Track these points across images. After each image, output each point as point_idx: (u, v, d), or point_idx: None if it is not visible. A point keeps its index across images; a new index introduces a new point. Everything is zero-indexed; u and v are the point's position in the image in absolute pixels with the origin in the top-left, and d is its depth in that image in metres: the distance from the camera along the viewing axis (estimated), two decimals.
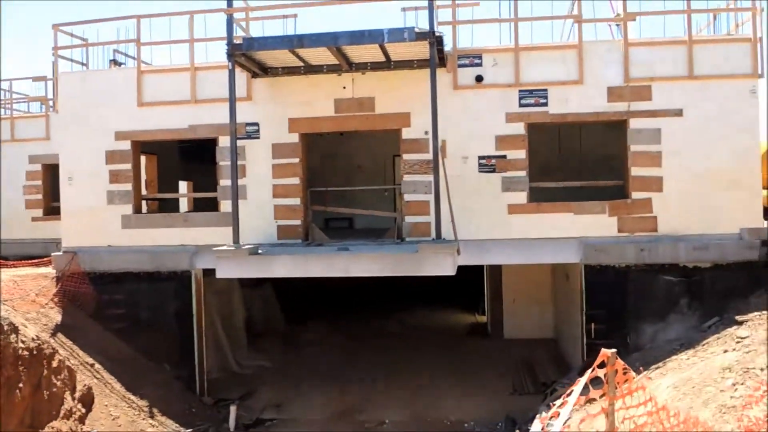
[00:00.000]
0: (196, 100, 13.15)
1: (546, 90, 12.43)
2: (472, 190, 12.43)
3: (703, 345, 10.90)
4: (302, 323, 21.03)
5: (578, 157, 16.43)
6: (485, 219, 12.43)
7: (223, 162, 13.09)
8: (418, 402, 13.47)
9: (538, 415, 11.20)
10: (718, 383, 8.29)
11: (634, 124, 12.32)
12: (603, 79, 12.34)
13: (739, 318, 11.16)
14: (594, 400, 5.69)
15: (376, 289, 23.67)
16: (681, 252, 12.18)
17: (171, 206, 17.16)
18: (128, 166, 13.36)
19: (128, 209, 13.41)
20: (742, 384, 8.21)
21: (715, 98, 12.14)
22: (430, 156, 12.49)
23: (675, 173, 12.25)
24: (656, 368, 10.95)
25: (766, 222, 12.36)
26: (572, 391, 3.64)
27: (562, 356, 15.66)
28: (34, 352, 10.35)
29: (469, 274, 25.01)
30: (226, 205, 13.07)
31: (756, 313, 11.03)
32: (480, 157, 12.55)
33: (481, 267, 23.75)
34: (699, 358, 10.39)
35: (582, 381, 3.67)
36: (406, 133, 12.75)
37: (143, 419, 11.58)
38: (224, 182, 13.08)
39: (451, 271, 10.71)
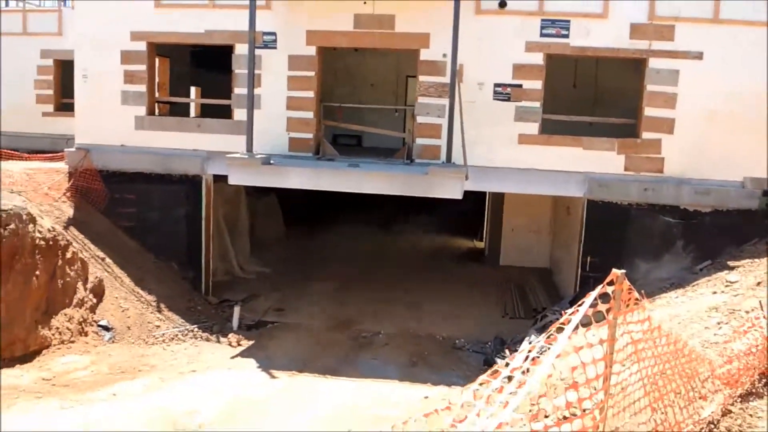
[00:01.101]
0: (213, 5, 13.01)
1: (568, 21, 12.32)
2: (484, 117, 12.51)
3: (693, 286, 11.30)
4: (303, 234, 21.64)
5: (592, 93, 16.39)
6: (495, 147, 12.58)
7: (239, 70, 13.09)
8: (413, 318, 13.99)
9: (527, 338, 11.75)
10: (703, 321, 8.70)
11: (653, 63, 12.28)
12: (627, 15, 12.21)
13: (731, 263, 11.54)
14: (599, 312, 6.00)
15: (378, 208, 24.16)
16: (684, 194, 12.42)
17: (181, 111, 17.20)
18: (143, 67, 13.35)
19: (142, 111, 13.50)
20: (726, 323, 8.61)
21: (737, 44, 12.06)
22: (446, 79, 12.52)
23: (688, 116, 12.33)
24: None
25: None
26: (583, 302, 3.94)
27: (555, 286, 16.15)
28: (50, 243, 10.73)
29: (470, 201, 25.64)
30: (239, 114, 13.18)
31: (748, 260, 11.39)
32: (496, 85, 12.57)
33: (482, 194, 24.15)
34: (688, 297, 10.81)
35: (593, 295, 3.98)
36: (424, 55, 12.70)
37: (151, 313, 12.10)
38: (239, 90, 13.12)
39: (458, 195, 10.97)
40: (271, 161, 11.69)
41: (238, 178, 11.49)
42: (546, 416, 5.93)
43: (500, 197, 19.14)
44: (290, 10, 12.83)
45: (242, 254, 17.27)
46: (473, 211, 26.08)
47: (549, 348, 4.04)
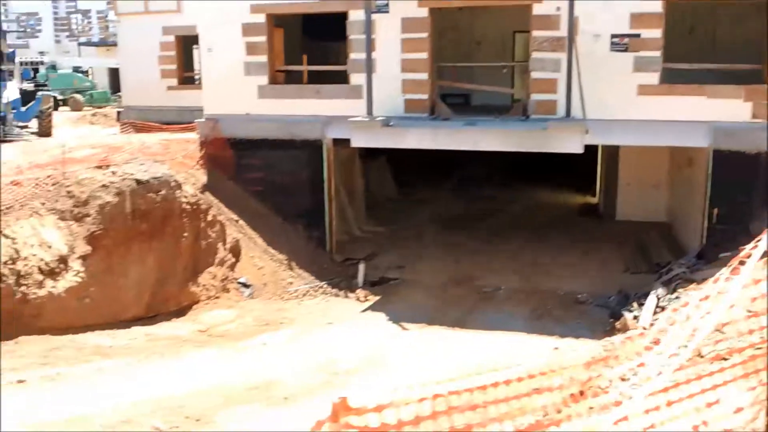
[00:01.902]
0: None
1: None
2: (602, 69, 12.34)
3: None
4: (414, 194, 22.00)
5: (711, 40, 15.69)
6: (614, 99, 12.39)
7: (354, 36, 13.50)
8: (532, 273, 14.17)
9: (653, 292, 11.70)
10: None
11: None
12: None
13: None
14: None
15: (487, 166, 24.22)
16: None
17: (295, 79, 17.84)
18: (263, 38, 14.02)
19: (264, 80, 14.22)
20: None
21: None
22: (560, 33, 12.46)
23: None
24: None
25: None
26: (761, 238, 4.10)
27: (675, 240, 15.80)
28: (194, 207, 11.69)
29: (581, 156, 25.18)
30: (355, 78, 13.64)
31: None
32: (613, 36, 12.34)
33: (595, 148, 23.63)
34: None
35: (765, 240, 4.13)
36: (537, 9, 12.62)
37: (284, 270, 12.95)
38: (354, 56, 13.56)
39: (578, 149, 11.01)
40: (390, 123, 12.09)
41: (360, 140, 12.00)
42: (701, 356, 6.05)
43: (615, 151, 18.75)
44: None
45: (359, 215, 17.92)
46: (584, 165, 25.71)
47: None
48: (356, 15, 13.28)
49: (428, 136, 11.68)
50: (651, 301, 11.18)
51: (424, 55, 13.27)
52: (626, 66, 12.38)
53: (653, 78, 12.36)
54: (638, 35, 12.25)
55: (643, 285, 12.98)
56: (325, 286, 12.99)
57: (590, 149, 24.06)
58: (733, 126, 12.16)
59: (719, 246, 12.45)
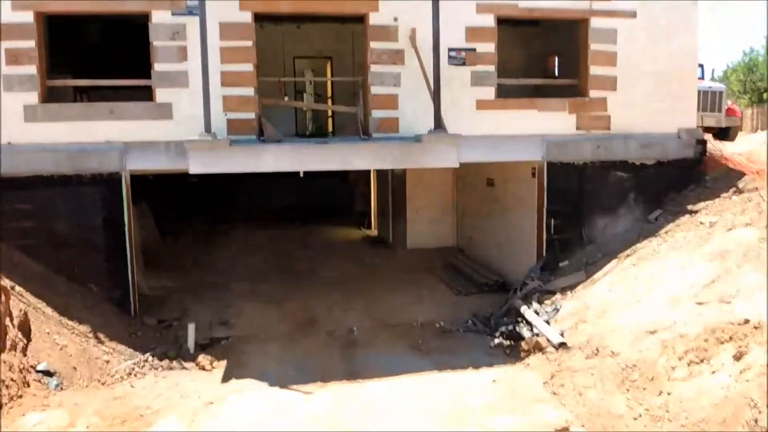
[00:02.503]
0: None
1: None
2: (442, 83, 11.76)
3: (666, 232, 11.70)
4: (180, 241, 19.55)
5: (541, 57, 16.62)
6: (454, 114, 11.86)
7: (158, 42, 10.98)
8: (370, 309, 12.93)
9: (521, 308, 11.33)
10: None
11: (594, 23, 12.49)
12: None
13: (690, 207, 12.13)
14: None
15: (235, 205, 23.19)
16: (631, 149, 12.85)
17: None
18: (31, 43, 10.61)
19: (33, 98, 10.76)
20: None
21: (664, 2, 12.71)
22: (399, 45, 11.72)
23: (627, 73, 12.73)
24: (626, 255, 11.57)
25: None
26: None
27: (485, 260, 15.94)
28: None
29: (336, 190, 25.36)
30: (162, 95, 11.09)
31: (703, 203, 12.06)
32: (450, 49, 11.88)
33: (345, 179, 23.80)
34: (669, 245, 11.12)
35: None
36: (374, 19, 11.64)
37: (94, 346, 9.69)
38: (161, 67, 11.01)
39: (455, 163, 10.19)
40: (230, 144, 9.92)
41: (200, 166, 9.56)
42: None
43: (402, 177, 18.60)
44: None
45: (140, 268, 14.75)
46: (343, 198, 25.76)
47: None
48: (161, 17, 10.83)
49: (290, 156, 9.77)
50: (532, 316, 10.75)
51: (249, 67, 11.31)
52: (465, 80, 12.05)
53: (490, 92, 12.21)
54: (474, 49, 12.02)
55: (490, 305, 12.70)
56: (150, 358, 10.04)
57: (345, 179, 24.49)
58: (563, 138, 12.57)
59: (559, 256, 12.73)
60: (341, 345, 10.94)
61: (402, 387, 8.65)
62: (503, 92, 12.60)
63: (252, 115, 11.35)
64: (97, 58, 14.29)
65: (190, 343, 10.72)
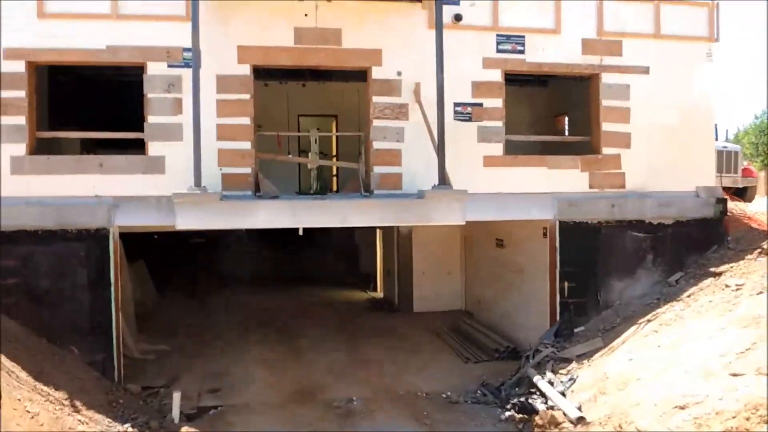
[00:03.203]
0: (118, 15, 10.49)
1: (523, 37, 11.75)
2: (447, 138, 11.27)
3: (689, 296, 10.91)
4: (178, 301, 19.01)
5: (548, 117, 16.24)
6: (460, 170, 11.31)
7: (153, 94, 10.62)
8: (372, 377, 12.11)
9: (534, 377, 10.47)
10: None
11: (605, 78, 12.11)
12: (578, 30, 11.95)
13: (714, 269, 11.38)
14: None
15: (232, 265, 22.89)
16: (647, 208, 12.22)
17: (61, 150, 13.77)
18: (21, 93, 10.27)
19: (21, 149, 10.34)
20: None
21: (678, 59, 12.36)
22: (401, 99, 11.35)
23: (641, 130, 12.25)
24: (647, 321, 10.77)
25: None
26: None
27: (495, 325, 15.12)
28: None
29: (338, 251, 25.05)
30: (155, 148, 10.67)
31: (727, 265, 11.32)
32: (456, 104, 11.51)
33: (351, 239, 23.57)
34: (693, 310, 10.32)
35: None
36: (377, 73, 11.30)
37: (68, 415, 8.85)
38: (154, 119, 10.63)
39: (460, 221, 9.58)
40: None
41: (188, 221, 9.00)
42: None
43: (408, 237, 18.00)
44: (218, 23, 10.73)
45: (132, 330, 14.04)
46: (344, 259, 25.42)
47: None
48: (156, 68, 10.51)
49: (284, 212, 9.20)
50: (546, 386, 9.88)
51: (246, 120, 10.90)
52: (471, 135, 11.58)
53: (497, 148, 11.72)
54: (481, 104, 11.60)
55: (500, 373, 11.85)
56: (130, 429, 9.21)
57: (344, 243, 24.22)
58: (575, 197, 11.98)
59: (574, 321, 11.94)
60: (338, 417, 10.08)
61: None
62: (511, 150, 12.11)
63: (248, 170, 10.87)
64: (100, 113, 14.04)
65: (175, 413, 9.90)
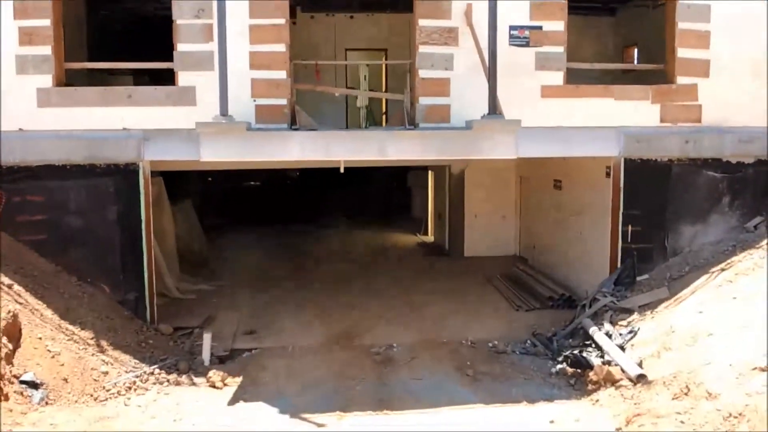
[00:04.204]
0: None
1: None
2: (500, 66, 10.16)
3: None
4: (224, 243, 18.76)
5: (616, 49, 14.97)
6: (515, 102, 10.22)
7: (183, 20, 9.90)
8: (416, 323, 11.45)
9: (589, 329, 9.57)
10: None
11: None
12: None
13: None
14: None
15: (282, 208, 22.59)
16: (726, 145, 10.90)
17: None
18: (47, 22, 9.71)
19: (47, 81, 9.84)
20: None
21: None
22: (451, 22, 10.22)
23: (721, 58, 10.81)
24: (720, 270, 9.65)
25: None
26: None
27: (550, 271, 14.18)
28: None
29: (384, 192, 24.54)
30: (185, 78, 9.99)
31: None
32: (511, 27, 10.33)
33: (403, 180, 22.94)
34: None
35: None
36: None
37: (92, 355, 8.57)
38: (184, 47, 9.93)
39: (512, 154, 8.61)
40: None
41: (213, 152, 8.37)
42: None
43: (460, 179, 17.05)
44: None
45: (173, 270, 13.79)
46: (395, 203, 24.91)
47: None
48: None
49: (317, 143, 8.43)
50: (604, 339, 8.98)
51: (281, 47, 10.07)
52: (528, 63, 10.43)
53: (558, 77, 10.55)
54: (540, 27, 10.40)
55: (551, 322, 11.01)
56: (157, 371, 8.86)
57: (396, 187, 23.63)
58: (644, 131, 10.75)
59: (637, 268, 10.89)
60: (376, 363, 9.48)
61: (434, 425, 7.07)
62: (573, 80, 10.90)
63: (284, 101, 10.07)
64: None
65: (205, 355, 9.51)
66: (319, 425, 7.12)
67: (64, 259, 9.94)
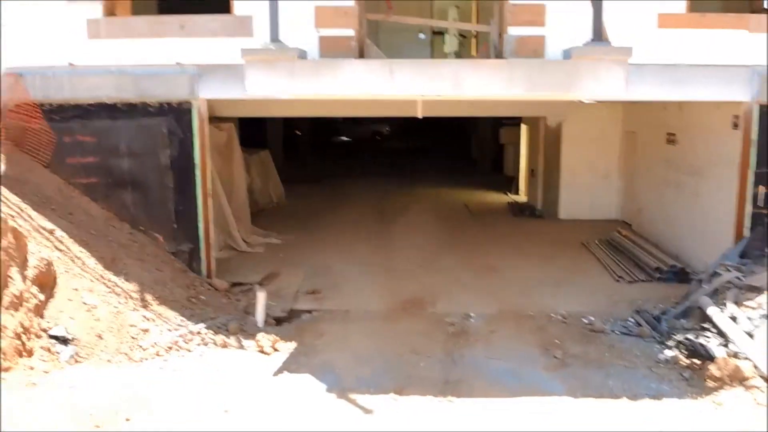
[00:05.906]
0: None
1: None
2: None
3: None
4: (301, 195, 18.13)
5: None
6: (625, 32, 8.44)
7: None
8: (499, 291, 10.09)
9: (716, 308, 7.88)
10: None
11: None
12: None
13: None
14: None
15: (358, 160, 21.93)
16: None
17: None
18: None
19: (97, 9, 9.04)
20: None
21: None
22: None
23: None
24: None
25: None
26: None
27: (658, 239, 12.38)
28: None
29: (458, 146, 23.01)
30: (241, 6, 8.91)
31: None
32: None
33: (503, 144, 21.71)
34: None
35: None
36: None
37: (133, 310, 7.79)
38: None
39: (620, 91, 6.95)
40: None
41: (259, 84, 7.23)
42: None
43: (557, 133, 15.33)
44: None
45: (243, 222, 13.06)
46: (487, 161, 23.77)
47: None
48: None
49: (378, 72, 7.13)
50: (727, 323, 7.31)
51: None
52: None
53: (680, 5, 8.69)
54: None
55: (660, 298, 9.35)
56: (204, 331, 8.01)
57: (488, 143, 22.20)
58: None
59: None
60: (447, 336, 8.24)
61: (506, 420, 5.77)
62: (698, 8, 9.00)
63: (351, 32, 8.77)
64: None
65: (259, 315, 8.58)
66: (367, 410, 5.98)
67: (116, 204, 9.28)
